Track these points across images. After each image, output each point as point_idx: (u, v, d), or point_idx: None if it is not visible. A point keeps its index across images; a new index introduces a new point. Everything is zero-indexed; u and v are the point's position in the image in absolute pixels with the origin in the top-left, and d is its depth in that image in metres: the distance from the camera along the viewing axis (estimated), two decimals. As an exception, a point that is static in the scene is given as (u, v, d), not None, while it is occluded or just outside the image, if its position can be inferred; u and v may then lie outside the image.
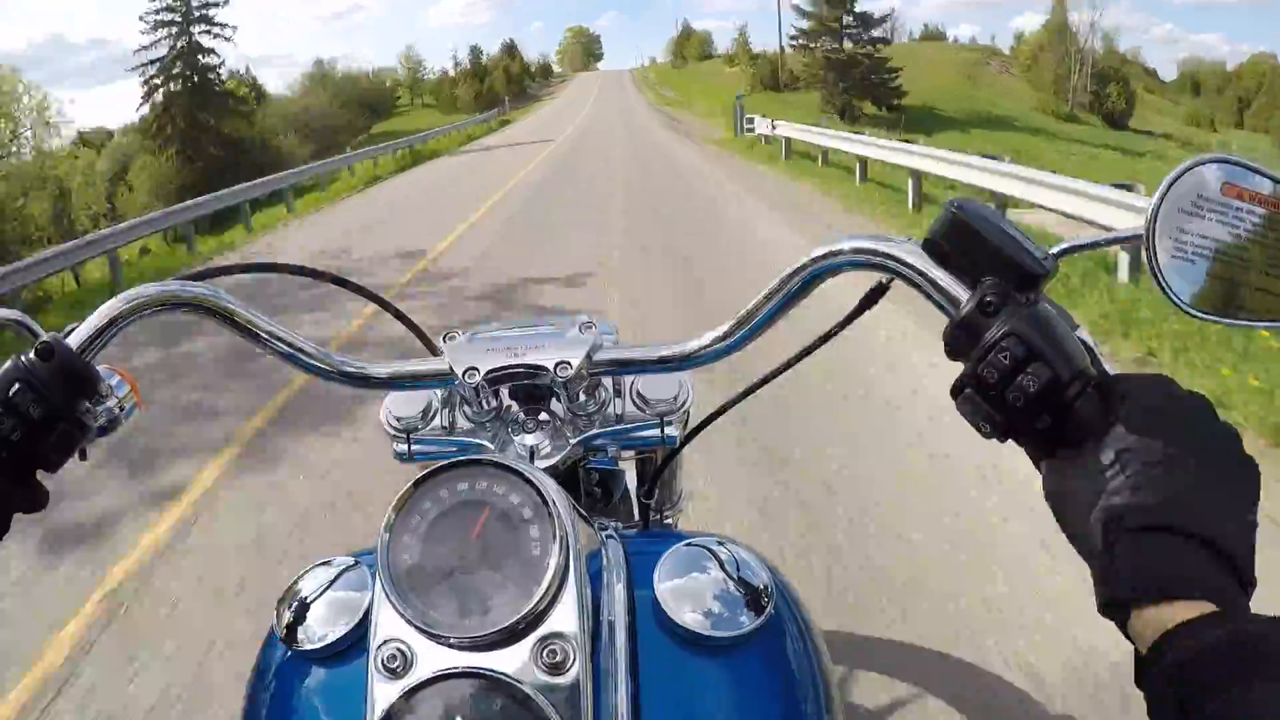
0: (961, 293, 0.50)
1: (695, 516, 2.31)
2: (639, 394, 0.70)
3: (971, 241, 0.50)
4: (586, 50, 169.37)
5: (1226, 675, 0.34)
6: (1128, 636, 0.40)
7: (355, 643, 0.56)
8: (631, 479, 0.90)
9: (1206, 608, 0.37)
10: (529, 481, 0.48)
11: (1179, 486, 0.41)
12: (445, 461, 0.49)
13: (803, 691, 0.58)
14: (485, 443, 0.68)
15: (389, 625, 0.46)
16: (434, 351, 0.71)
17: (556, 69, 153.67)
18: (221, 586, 2.46)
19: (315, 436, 3.52)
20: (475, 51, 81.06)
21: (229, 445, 3.54)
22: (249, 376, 4.28)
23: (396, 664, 0.45)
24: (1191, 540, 0.40)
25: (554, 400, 0.68)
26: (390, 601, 0.46)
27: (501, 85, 77.65)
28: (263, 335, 0.63)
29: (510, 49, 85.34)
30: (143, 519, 2.96)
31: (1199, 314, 0.53)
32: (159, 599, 2.44)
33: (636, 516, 0.86)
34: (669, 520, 0.94)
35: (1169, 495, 0.41)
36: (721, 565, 0.58)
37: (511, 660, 0.45)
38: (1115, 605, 0.40)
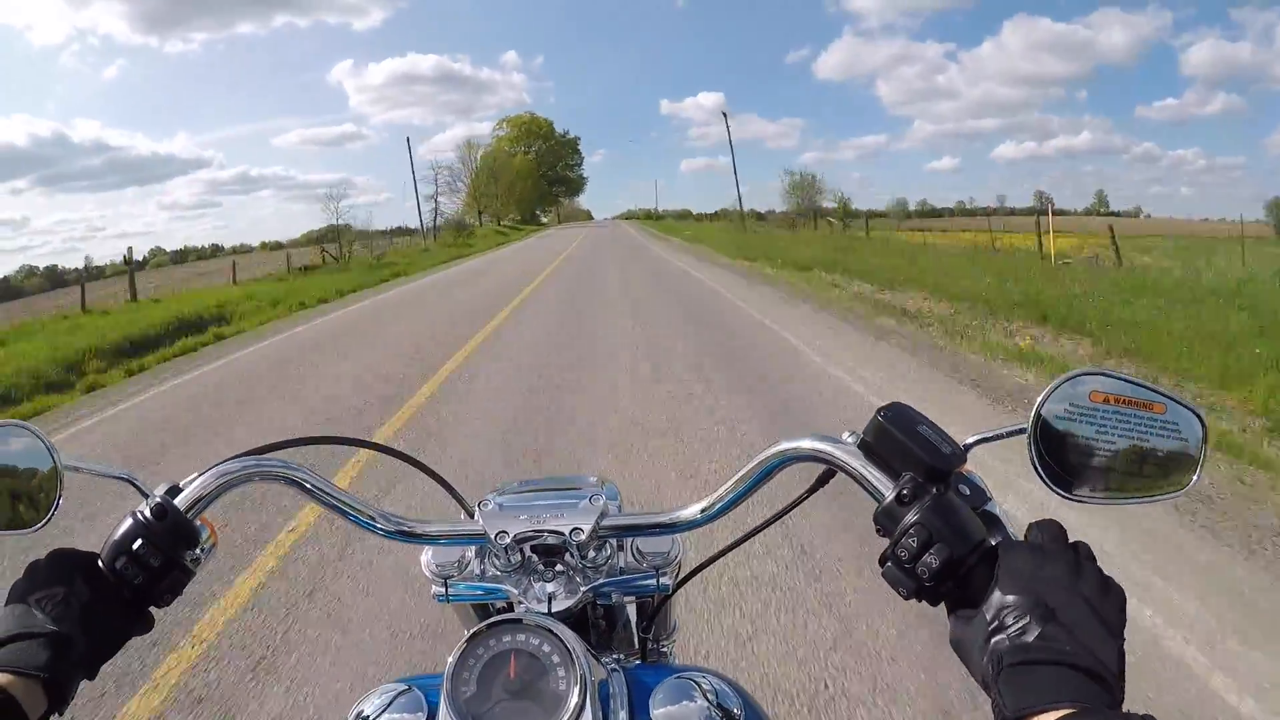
0: (887, 485, 0.65)
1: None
2: (638, 549, 0.85)
3: (893, 442, 0.65)
4: (535, 172, 71.06)
5: None
6: None
7: None
8: (632, 612, 1.02)
9: (1069, 710, 0.49)
10: (556, 636, 0.63)
11: (1046, 631, 0.54)
12: (493, 619, 0.64)
13: None
14: (511, 588, 0.81)
15: None
16: (469, 512, 0.85)
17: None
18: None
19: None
20: None
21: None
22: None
23: None
24: (1059, 667, 0.51)
25: (568, 554, 0.81)
26: None
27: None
28: (333, 502, 0.78)
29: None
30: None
31: (1075, 498, 0.66)
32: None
33: (636, 646, 0.98)
34: (665, 650, 1.05)
35: (1036, 639, 0.53)
36: (704, 694, 0.70)
37: None
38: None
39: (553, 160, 78.84)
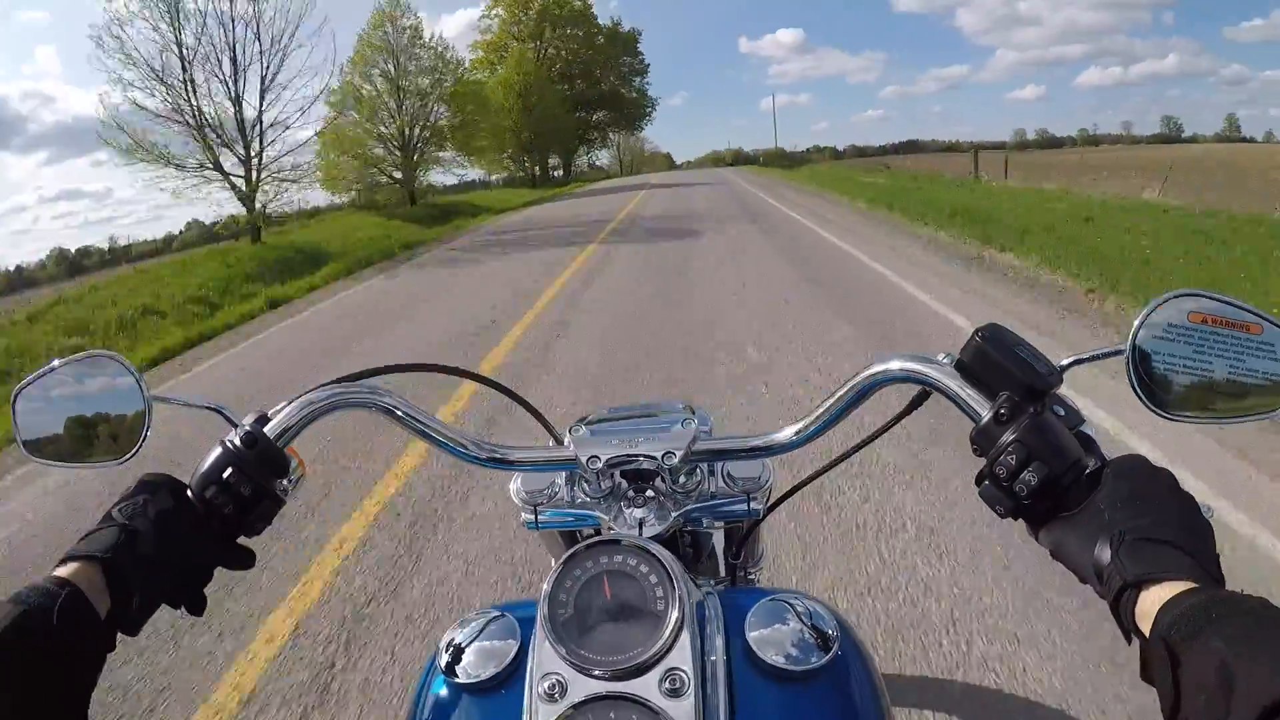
0: (983, 405, 0.65)
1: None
2: (728, 474, 0.84)
3: (990, 363, 0.66)
4: (548, 82, 38.23)
5: (1203, 624, 0.46)
6: (1136, 631, 0.52)
7: (506, 678, 0.67)
8: (718, 540, 1.03)
9: (1190, 585, 0.50)
10: (654, 556, 0.64)
11: (1161, 517, 0.55)
12: (591, 540, 0.66)
13: (865, 714, 0.69)
14: (601, 515, 0.82)
15: (548, 662, 0.61)
16: (558, 439, 0.88)
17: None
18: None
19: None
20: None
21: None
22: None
23: (555, 691, 0.59)
24: (1176, 549, 0.53)
25: (658, 480, 0.82)
26: (551, 644, 0.61)
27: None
28: (423, 429, 0.78)
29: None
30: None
31: (1172, 416, 0.65)
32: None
33: (723, 573, 1.01)
34: (752, 577, 1.07)
35: (1155, 520, 0.55)
36: (798, 616, 0.69)
37: (642, 687, 0.59)
38: (1125, 589, 0.53)
39: (591, 67, 44.08)
